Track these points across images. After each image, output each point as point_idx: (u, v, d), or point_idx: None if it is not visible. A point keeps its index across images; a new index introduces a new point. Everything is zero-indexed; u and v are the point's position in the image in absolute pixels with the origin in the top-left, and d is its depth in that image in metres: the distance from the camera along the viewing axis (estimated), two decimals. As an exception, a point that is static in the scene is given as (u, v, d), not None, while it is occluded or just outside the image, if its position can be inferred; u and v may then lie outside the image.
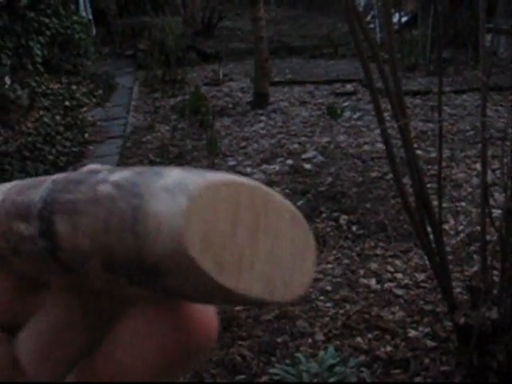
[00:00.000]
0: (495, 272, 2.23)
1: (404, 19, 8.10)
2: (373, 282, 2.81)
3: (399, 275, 2.85)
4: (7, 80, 5.24)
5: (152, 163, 4.56)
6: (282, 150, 4.60)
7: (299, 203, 3.62)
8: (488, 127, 2.57)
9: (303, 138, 4.82)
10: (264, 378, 2.22)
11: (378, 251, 3.08)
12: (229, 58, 8.03)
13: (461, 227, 3.17)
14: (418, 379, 2.17)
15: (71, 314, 0.23)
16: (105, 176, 0.19)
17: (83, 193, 0.19)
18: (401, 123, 1.98)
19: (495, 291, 2.05)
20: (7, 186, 0.22)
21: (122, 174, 0.19)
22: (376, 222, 3.33)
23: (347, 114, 5.37)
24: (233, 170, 4.21)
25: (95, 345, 0.22)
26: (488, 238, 2.18)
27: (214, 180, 0.19)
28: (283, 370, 2.07)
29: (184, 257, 0.18)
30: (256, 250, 0.19)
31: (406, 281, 2.79)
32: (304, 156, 4.42)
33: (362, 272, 2.90)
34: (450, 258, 2.32)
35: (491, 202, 2.11)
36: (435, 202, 2.12)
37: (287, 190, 3.84)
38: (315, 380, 2.02)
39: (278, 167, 4.25)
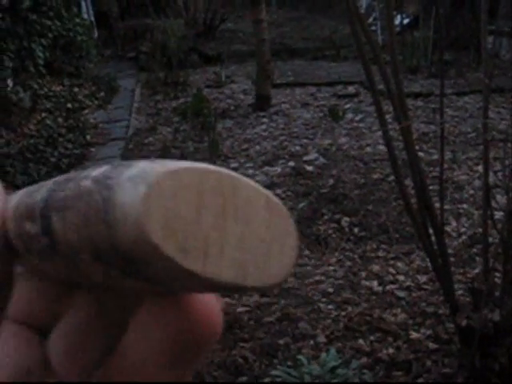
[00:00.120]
0: (497, 274, 2.23)
1: (406, 21, 8.10)
2: (375, 284, 2.81)
3: (401, 277, 2.85)
4: (9, 82, 5.25)
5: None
6: (284, 152, 4.61)
7: (301, 205, 3.62)
8: (490, 129, 2.57)
9: (305, 140, 4.82)
10: (266, 380, 2.22)
11: (380, 253, 3.08)
12: (231, 60, 8.04)
13: (463, 229, 3.17)
14: (419, 381, 2.17)
15: (92, 316, 0.24)
16: (88, 172, 0.20)
17: (71, 189, 0.20)
18: (403, 125, 1.99)
19: (497, 293, 2.05)
20: (21, 192, 0.23)
21: (101, 169, 0.20)
22: (378, 224, 3.33)
23: (349, 116, 5.37)
24: (235, 171, 4.19)
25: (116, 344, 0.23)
26: (490, 240, 2.18)
27: (174, 167, 0.19)
28: (285, 372, 2.07)
29: (147, 243, 0.18)
30: (225, 234, 0.20)
31: (408, 283, 2.79)
32: (306, 158, 4.42)
33: (363, 274, 2.90)
34: (451, 260, 2.32)
35: (493, 203, 2.11)
36: (437, 204, 2.12)
37: (289, 192, 3.84)
38: (317, 381, 2.02)
39: (279, 169, 4.25)
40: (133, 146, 5.05)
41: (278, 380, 2.10)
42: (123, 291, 0.23)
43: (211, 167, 0.20)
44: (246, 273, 0.20)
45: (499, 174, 2.67)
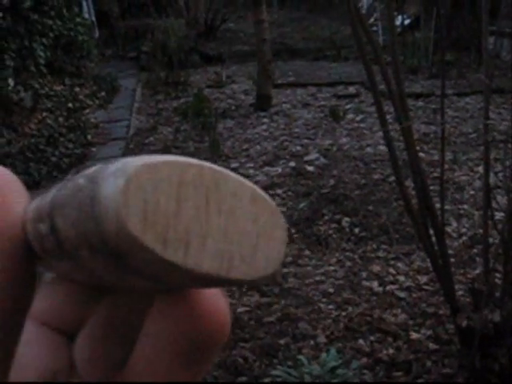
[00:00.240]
0: (498, 275, 2.23)
1: (407, 22, 8.11)
2: (375, 284, 2.81)
3: (401, 278, 2.85)
4: (10, 82, 5.25)
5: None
6: (285, 152, 4.61)
7: (301, 205, 3.62)
8: (490, 130, 2.56)
9: (306, 141, 4.83)
10: (266, 380, 2.22)
11: (381, 254, 3.08)
12: (232, 60, 8.04)
13: (463, 230, 3.17)
14: (420, 381, 2.17)
15: (111, 321, 0.24)
16: (86, 171, 0.20)
17: (69, 188, 0.20)
18: (403, 125, 1.99)
19: (497, 294, 2.05)
20: (41, 195, 0.23)
21: (95, 167, 0.20)
22: (378, 225, 3.33)
23: (350, 116, 5.37)
24: (235, 171, 4.17)
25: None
26: (490, 240, 2.18)
27: (153, 161, 0.19)
28: (285, 372, 2.07)
29: (127, 235, 0.18)
30: (207, 226, 0.20)
31: (409, 283, 2.79)
32: (306, 158, 4.42)
33: (364, 274, 2.90)
34: (452, 260, 2.32)
35: (494, 204, 2.11)
36: (438, 205, 2.12)
37: (289, 192, 3.84)
38: (317, 381, 2.02)
39: (280, 169, 4.25)
40: (133, 145, 5.05)
41: (278, 380, 2.10)
42: (132, 292, 0.23)
43: (192, 160, 0.20)
44: (230, 265, 0.20)
45: (500, 174, 2.67)
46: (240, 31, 9.77)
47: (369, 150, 4.49)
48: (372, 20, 8.65)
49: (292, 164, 4.33)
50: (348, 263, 3.02)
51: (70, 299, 0.25)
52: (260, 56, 5.72)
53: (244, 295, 2.73)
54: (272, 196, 3.81)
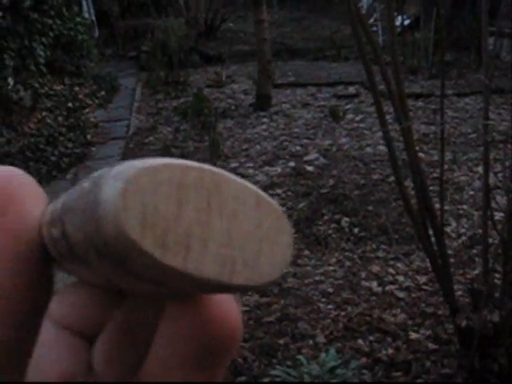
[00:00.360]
0: (497, 275, 2.23)
1: (406, 22, 8.11)
2: (374, 284, 2.81)
3: (401, 278, 2.85)
4: (10, 81, 5.25)
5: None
6: (284, 152, 4.61)
7: (301, 205, 3.62)
8: (490, 130, 2.57)
9: (305, 141, 4.83)
10: (265, 380, 2.22)
11: (380, 254, 3.08)
12: (231, 60, 8.04)
13: (463, 230, 3.17)
14: (419, 381, 2.17)
15: (126, 325, 0.24)
16: (93, 173, 0.20)
17: (77, 191, 0.20)
18: (403, 126, 1.99)
19: (497, 294, 2.05)
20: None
21: (101, 170, 0.20)
22: (378, 225, 3.33)
23: (349, 116, 5.37)
24: (235, 171, 4.21)
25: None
26: (490, 240, 2.18)
27: (152, 164, 0.19)
28: (284, 372, 2.07)
29: (125, 239, 0.18)
30: (208, 230, 0.20)
31: (408, 283, 2.79)
32: (306, 158, 4.42)
33: (363, 274, 2.90)
34: (451, 260, 2.33)
35: (493, 204, 2.11)
36: (437, 205, 2.12)
37: (289, 192, 3.84)
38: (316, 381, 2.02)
39: (280, 169, 4.25)
40: (133, 145, 5.05)
41: (278, 380, 2.10)
42: (142, 295, 0.23)
43: (193, 163, 0.20)
44: (232, 270, 0.20)
45: (499, 175, 2.67)
46: (240, 31, 9.77)
47: (368, 150, 4.49)
48: (372, 20, 8.65)
49: (292, 164, 4.33)
50: (347, 263, 3.02)
51: (92, 303, 0.25)
52: (260, 56, 5.72)
53: (243, 295, 2.73)
54: (272, 196, 3.80)
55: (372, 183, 3.89)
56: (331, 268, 2.99)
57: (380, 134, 3.41)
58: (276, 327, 2.54)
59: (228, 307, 0.22)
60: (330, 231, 3.33)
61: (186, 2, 9.11)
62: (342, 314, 2.60)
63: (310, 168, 4.22)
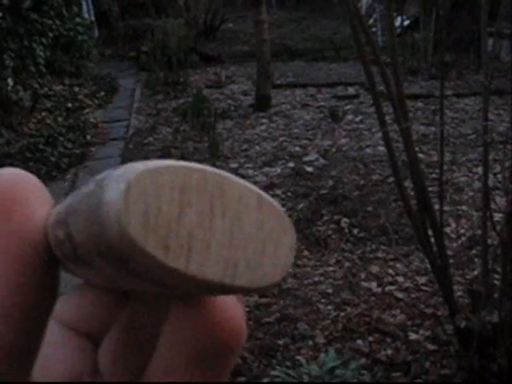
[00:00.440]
0: (496, 276, 2.23)
1: (406, 23, 8.11)
2: (374, 285, 2.81)
3: (400, 278, 2.85)
4: (10, 81, 5.25)
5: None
6: (284, 152, 4.61)
7: (301, 206, 3.63)
8: (490, 131, 2.57)
9: (305, 141, 4.83)
10: (265, 381, 2.22)
11: (379, 254, 3.09)
12: (231, 61, 8.04)
13: (462, 231, 3.17)
14: (418, 382, 2.17)
15: (132, 327, 0.25)
16: (96, 176, 0.20)
17: (81, 193, 0.20)
18: (402, 126, 1.99)
19: (496, 295, 2.05)
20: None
21: (104, 172, 0.20)
22: (377, 225, 3.33)
23: (349, 117, 5.37)
24: (234, 172, 4.22)
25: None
26: (489, 241, 2.18)
27: (155, 166, 0.19)
28: (284, 373, 2.07)
29: (128, 240, 0.18)
30: (211, 232, 0.20)
31: (407, 284, 2.79)
32: (306, 159, 4.42)
33: (363, 275, 2.90)
34: (451, 261, 2.33)
35: (492, 205, 2.11)
36: (436, 206, 2.12)
37: (289, 193, 3.84)
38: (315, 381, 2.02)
39: (279, 170, 4.25)
40: (133, 145, 5.05)
41: (277, 380, 2.10)
42: (147, 296, 0.24)
43: (196, 165, 0.20)
44: (235, 272, 0.20)
45: (499, 175, 2.68)
46: (239, 32, 9.77)
47: (368, 150, 4.50)
48: (371, 21, 8.66)
49: (291, 164, 4.33)
50: (347, 264, 3.02)
51: (98, 304, 0.25)
52: (259, 56, 5.72)
53: (243, 296, 2.73)
54: (271, 196, 3.81)
55: (371, 184, 3.89)
56: (331, 269, 2.99)
57: (379, 134, 3.41)
58: (275, 328, 2.54)
59: (232, 309, 0.22)
60: (329, 232, 3.34)
61: (186, 2, 9.11)
62: (342, 314, 2.60)
63: (309, 169, 4.22)
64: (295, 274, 2.93)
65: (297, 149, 4.67)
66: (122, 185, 0.18)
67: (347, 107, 5.68)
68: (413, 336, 2.41)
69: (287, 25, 10.28)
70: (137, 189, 0.19)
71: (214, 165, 3.75)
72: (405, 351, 2.33)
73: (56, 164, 4.62)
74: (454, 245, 3.02)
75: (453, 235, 3.10)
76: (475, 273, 2.67)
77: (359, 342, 2.41)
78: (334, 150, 4.58)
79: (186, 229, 0.19)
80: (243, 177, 4.09)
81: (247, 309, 2.66)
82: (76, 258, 0.21)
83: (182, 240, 0.19)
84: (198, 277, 0.19)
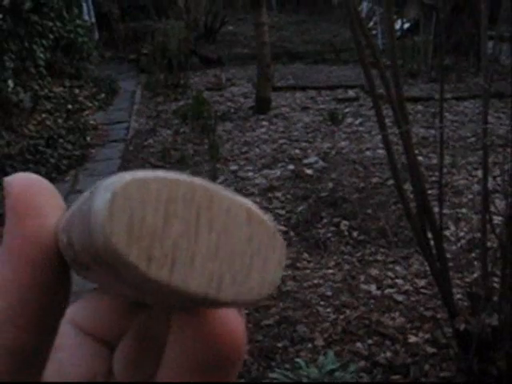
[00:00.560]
0: (495, 279, 2.23)
1: (406, 26, 8.12)
2: (373, 287, 2.81)
3: (400, 281, 2.85)
4: (10, 83, 5.25)
5: (153, 167, 4.57)
6: (284, 155, 4.61)
7: (300, 208, 3.63)
8: (489, 134, 2.57)
9: (305, 144, 4.83)
10: (264, 382, 2.22)
11: (379, 257, 3.08)
12: (231, 63, 8.05)
13: (461, 234, 3.17)
14: (417, 385, 2.17)
15: (142, 335, 0.25)
16: (97, 182, 0.20)
17: (80, 200, 0.20)
18: (402, 129, 1.99)
19: (495, 298, 2.05)
20: None
21: (103, 180, 0.20)
22: (377, 228, 3.33)
23: (349, 119, 5.38)
24: (234, 174, 4.22)
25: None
26: (489, 244, 2.18)
27: (142, 176, 0.19)
28: (283, 375, 2.07)
29: (112, 250, 0.18)
30: (196, 244, 0.19)
31: (407, 287, 2.79)
32: (305, 161, 4.42)
33: (362, 278, 2.90)
34: (450, 264, 2.33)
35: (492, 208, 2.11)
36: (436, 209, 2.12)
37: (288, 195, 3.84)
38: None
39: (279, 172, 4.25)
40: (133, 147, 5.05)
41: (276, 382, 2.10)
42: (151, 304, 0.23)
43: (184, 177, 0.20)
44: (219, 286, 0.20)
45: (498, 178, 2.68)
46: (240, 34, 9.78)
47: (368, 153, 4.50)
48: (371, 24, 8.67)
49: (291, 167, 4.33)
50: (346, 266, 3.02)
51: (116, 310, 0.26)
52: (260, 59, 5.72)
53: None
54: (270, 199, 3.81)
55: (371, 186, 3.89)
56: (330, 271, 2.99)
57: (379, 137, 3.42)
58: (275, 330, 2.54)
59: (233, 322, 0.21)
60: (329, 234, 3.34)
61: (186, 4, 9.12)
62: (341, 317, 2.60)
63: (309, 171, 4.22)
64: (295, 277, 2.93)
65: (296, 151, 4.67)
66: (108, 194, 0.18)
67: (347, 110, 5.68)
68: (412, 339, 2.41)
69: (287, 27, 10.29)
70: (122, 198, 0.18)
71: (213, 167, 3.75)
72: (404, 354, 2.32)
73: (56, 165, 4.62)
74: (454, 248, 3.02)
75: (452, 238, 3.10)
76: (474, 276, 2.67)
77: (358, 344, 2.41)
78: (333, 152, 4.58)
79: (170, 240, 0.19)
80: (243, 179, 4.10)
81: (246, 311, 2.66)
82: (78, 264, 0.21)
83: (166, 251, 0.19)
84: (181, 289, 0.19)
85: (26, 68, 5.62)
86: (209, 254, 0.20)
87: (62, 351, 0.24)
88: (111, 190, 0.19)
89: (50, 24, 6.06)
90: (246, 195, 3.81)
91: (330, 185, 3.96)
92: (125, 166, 4.62)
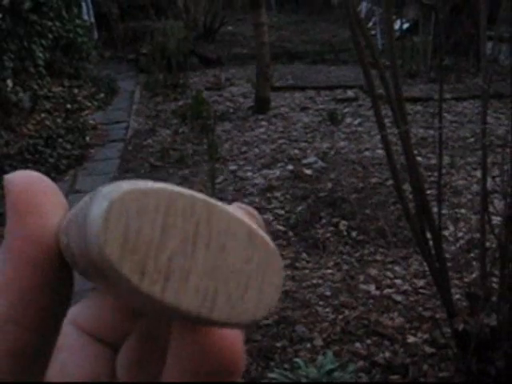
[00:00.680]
0: (494, 279, 2.23)
1: (405, 26, 8.12)
2: (372, 287, 2.81)
3: (398, 281, 2.85)
4: (9, 83, 5.25)
5: (153, 167, 4.57)
6: (283, 155, 4.61)
7: (299, 208, 3.63)
8: (488, 134, 2.58)
9: (304, 144, 4.83)
10: (263, 381, 2.22)
11: (378, 257, 3.09)
12: (230, 63, 8.05)
13: (460, 234, 3.18)
14: (416, 385, 2.17)
15: (143, 339, 0.25)
16: (96, 188, 0.20)
17: (79, 204, 0.20)
18: (401, 130, 1.99)
19: (494, 298, 2.05)
20: None
21: (104, 186, 0.20)
22: (376, 228, 3.33)
23: (348, 119, 5.38)
24: (233, 174, 4.22)
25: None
26: (487, 244, 2.18)
27: (141, 187, 0.18)
28: (282, 375, 2.07)
29: (105, 260, 0.18)
30: (192, 261, 0.19)
31: (406, 287, 2.79)
32: (304, 161, 4.42)
33: (361, 278, 2.90)
34: (449, 264, 2.33)
35: (491, 209, 2.12)
36: (435, 209, 2.13)
37: (287, 196, 3.85)
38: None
39: (278, 172, 4.25)
40: (132, 147, 5.05)
41: (275, 382, 2.10)
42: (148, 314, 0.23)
43: (185, 191, 0.19)
44: (213, 305, 0.19)
45: (497, 179, 2.68)
46: (239, 34, 9.78)
47: (367, 153, 4.50)
48: (371, 24, 8.67)
49: (290, 167, 4.33)
50: (345, 266, 3.02)
51: (118, 311, 0.25)
52: (259, 59, 5.72)
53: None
54: (269, 199, 3.81)
55: (370, 187, 3.89)
56: (329, 271, 2.99)
57: (378, 137, 3.42)
58: (274, 330, 2.54)
59: (230, 334, 0.21)
60: (327, 234, 3.34)
61: (186, 4, 9.11)
62: (340, 317, 2.60)
63: (308, 171, 4.22)
64: (294, 277, 2.93)
65: (296, 151, 4.67)
66: (105, 203, 0.18)
67: (346, 110, 5.68)
68: (411, 339, 2.41)
69: (287, 27, 10.30)
70: (118, 208, 0.18)
71: (213, 167, 3.75)
72: (403, 354, 2.33)
73: (55, 165, 4.62)
74: (453, 248, 3.02)
75: (451, 238, 3.11)
76: (473, 276, 2.67)
77: (357, 344, 2.41)
78: (332, 152, 4.58)
79: (166, 254, 0.19)
80: (242, 179, 4.09)
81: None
82: (78, 267, 0.20)
83: (161, 265, 0.18)
84: (173, 305, 0.19)
85: (26, 68, 5.61)
86: (204, 271, 0.19)
87: (65, 352, 0.24)
88: (109, 199, 0.18)
89: (50, 24, 6.06)
90: (245, 195, 3.81)
91: (329, 185, 3.96)
92: (124, 165, 4.62)
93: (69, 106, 6.17)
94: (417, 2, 6.99)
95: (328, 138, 4.95)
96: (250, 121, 5.58)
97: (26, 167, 4.42)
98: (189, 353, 0.21)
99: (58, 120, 5.72)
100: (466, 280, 2.55)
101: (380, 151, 4.22)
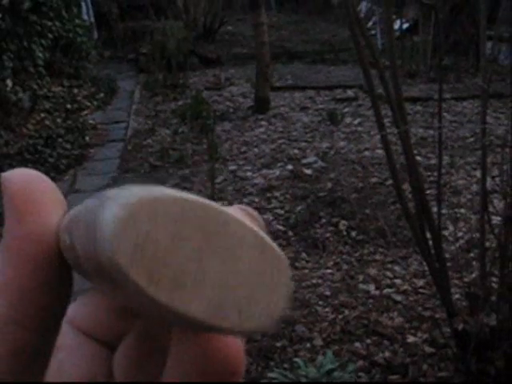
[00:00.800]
0: (494, 279, 2.23)
1: (405, 26, 8.12)
2: (372, 287, 2.81)
3: (398, 281, 2.85)
4: (9, 82, 5.25)
5: (152, 167, 4.57)
6: (283, 155, 4.61)
7: (299, 208, 3.63)
8: (488, 134, 2.58)
9: (303, 144, 4.83)
10: (263, 381, 2.22)
11: (377, 257, 3.09)
12: (230, 63, 8.05)
13: (460, 234, 3.18)
14: (416, 385, 2.17)
15: (142, 340, 0.25)
16: (107, 191, 0.20)
17: (85, 205, 0.20)
18: (401, 129, 1.99)
19: (494, 298, 2.05)
20: None
21: (111, 190, 0.20)
22: (375, 228, 3.33)
23: (348, 119, 5.38)
24: (233, 174, 4.22)
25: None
26: (487, 244, 2.18)
27: (156, 194, 0.18)
28: (282, 375, 2.07)
29: (115, 265, 0.18)
30: (202, 269, 0.19)
31: (405, 287, 2.79)
32: (304, 161, 4.42)
33: (360, 277, 2.90)
34: (449, 264, 2.33)
35: (490, 208, 2.12)
36: (435, 209, 2.13)
37: (287, 195, 3.85)
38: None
39: (278, 172, 4.25)
40: (131, 147, 5.05)
41: (275, 382, 2.10)
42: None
43: (200, 199, 0.19)
44: (223, 313, 0.19)
45: (497, 179, 2.68)
46: (239, 34, 9.78)
47: (366, 153, 4.50)
48: (370, 24, 8.67)
49: (290, 167, 4.33)
50: (345, 266, 3.02)
51: (115, 310, 0.25)
52: (259, 59, 5.72)
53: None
54: (269, 199, 3.81)
55: (370, 186, 3.89)
56: (329, 271, 2.99)
57: (378, 137, 3.42)
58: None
59: (231, 343, 0.21)
60: (327, 234, 3.34)
61: (185, 4, 9.11)
62: (340, 317, 2.60)
63: (308, 171, 4.22)
64: (293, 276, 2.92)
65: (295, 151, 4.67)
66: (119, 208, 0.18)
67: (346, 110, 5.68)
68: (410, 339, 2.41)
69: (286, 27, 10.30)
70: (132, 215, 0.18)
71: (212, 167, 3.74)
72: (402, 354, 2.33)
73: (55, 165, 4.62)
74: (452, 248, 3.02)
75: (451, 238, 3.11)
76: (473, 276, 2.67)
77: (357, 344, 2.41)
78: (332, 152, 4.58)
79: (176, 262, 0.19)
80: (242, 179, 4.10)
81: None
82: (80, 267, 0.20)
83: (171, 273, 0.18)
84: (181, 313, 0.19)
85: (25, 67, 5.61)
86: (213, 279, 0.19)
87: (63, 351, 0.24)
88: (122, 204, 0.18)
89: (49, 23, 6.06)
90: (245, 195, 3.81)
91: (329, 185, 3.96)
92: (123, 165, 4.62)
93: (68, 105, 6.17)
94: (417, 1, 6.99)
95: (328, 137, 4.95)
96: (249, 121, 5.58)
97: (26, 167, 4.38)
98: (191, 356, 0.21)
99: (58, 120, 5.72)
100: (465, 280, 2.55)
101: (380, 151, 4.22)
